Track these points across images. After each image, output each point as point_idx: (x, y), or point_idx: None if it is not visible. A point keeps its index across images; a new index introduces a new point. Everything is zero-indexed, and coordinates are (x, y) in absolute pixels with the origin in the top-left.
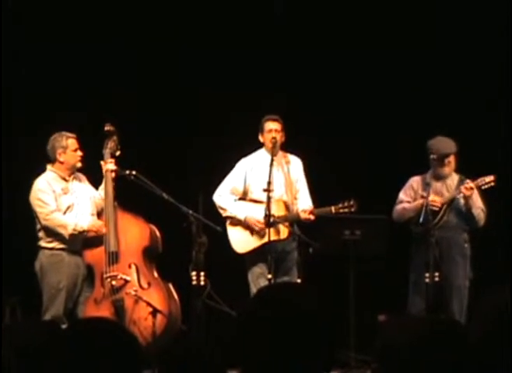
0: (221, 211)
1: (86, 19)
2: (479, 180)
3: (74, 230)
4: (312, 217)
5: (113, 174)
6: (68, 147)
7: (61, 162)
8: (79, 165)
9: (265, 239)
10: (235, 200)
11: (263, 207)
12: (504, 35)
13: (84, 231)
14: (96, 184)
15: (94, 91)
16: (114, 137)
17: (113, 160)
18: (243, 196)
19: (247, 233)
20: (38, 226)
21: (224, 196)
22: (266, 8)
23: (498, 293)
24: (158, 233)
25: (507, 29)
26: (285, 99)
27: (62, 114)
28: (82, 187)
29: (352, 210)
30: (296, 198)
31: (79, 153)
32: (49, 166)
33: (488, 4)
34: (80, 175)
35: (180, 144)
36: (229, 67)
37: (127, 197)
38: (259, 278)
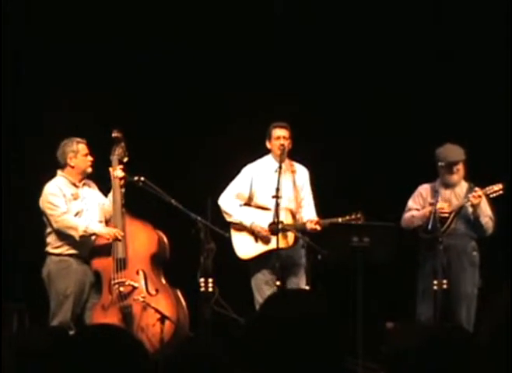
0: (226, 216)
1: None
2: (488, 188)
3: (85, 232)
4: (319, 227)
5: (121, 181)
6: (78, 151)
7: (72, 167)
8: (90, 170)
9: (272, 246)
10: (240, 206)
11: (268, 213)
12: None
13: (94, 234)
14: (104, 190)
15: (100, 98)
16: (122, 144)
17: (121, 166)
18: (248, 202)
19: (251, 239)
20: (47, 231)
21: (229, 201)
22: (266, 8)
23: (505, 298)
24: (166, 240)
25: None
26: (287, 100)
27: (70, 118)
28: (91, 194)
29: (359, 222)
30: (300, 207)
31: (90, 158)
32: (59, 172)
33: (496, 12)
34: (90, 181)
35: (188, 149)
36: (234, 69)
37: (135, 203)
38: (263, 285)
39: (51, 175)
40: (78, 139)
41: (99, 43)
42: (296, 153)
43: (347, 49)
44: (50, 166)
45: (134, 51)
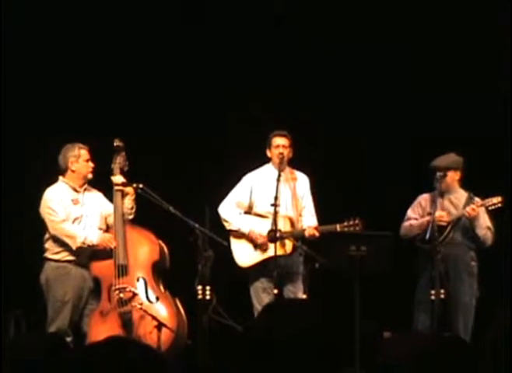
0: (225, 224)
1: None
2: (486, 201)
3: (83, 243)
4: (317, 233)
5: (125, 189)
6: (80, 156)
7: (73, 171)
8: (90, 176)
9: (270, 254)
10: (240, 214)
11: (268, 221)
12: None
13: (93, 246)
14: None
15: (100, 107)
16: (123, 153)
17: (121, 176)
18: (249, 211)
19: (250, 247)
20: (46, 236)
21: (229, 209)
22: (266, 8)
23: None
24: (166, 250)
25: None
26: (287, 104)
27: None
28: (92, 200)
29: (357, 228)
30: (301, 215)
31: (91, 164)
32: (60, 177)
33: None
34: (95, 190)
35: (187, 157)
36: (232, 73)
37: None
38: (261, 293)
39: (52, 180)
40: (80, 145)
41: (98, 52)
42: (295, 160)
43: (348, 51)
44: (52, 173)
45: (136, 60)
